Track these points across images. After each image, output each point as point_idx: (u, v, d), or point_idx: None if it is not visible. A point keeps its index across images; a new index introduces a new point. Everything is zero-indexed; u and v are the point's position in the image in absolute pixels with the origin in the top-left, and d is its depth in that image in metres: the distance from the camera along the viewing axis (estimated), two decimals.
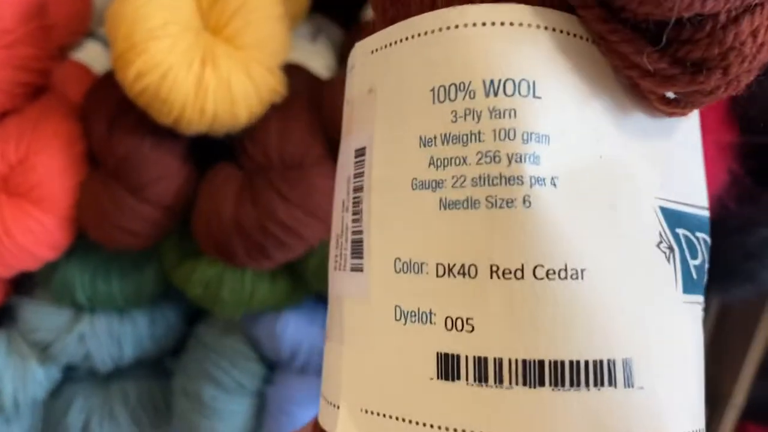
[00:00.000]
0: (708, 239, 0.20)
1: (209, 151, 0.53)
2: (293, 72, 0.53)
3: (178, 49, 0.45)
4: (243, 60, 0.48)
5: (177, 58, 0.45)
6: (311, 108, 0.52)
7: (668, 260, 0.17)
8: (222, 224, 0.48)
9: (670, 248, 0.18)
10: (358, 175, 0.19)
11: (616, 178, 0.17)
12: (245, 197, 0.48)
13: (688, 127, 0.20)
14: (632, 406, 0.16)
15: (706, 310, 0.73)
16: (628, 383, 0.16)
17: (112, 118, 0.49)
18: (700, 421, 0.18)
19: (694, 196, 0.20)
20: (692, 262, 0.18)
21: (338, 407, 0.19)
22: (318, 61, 0.58)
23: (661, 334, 0.17)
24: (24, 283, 0.63)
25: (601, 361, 0.16)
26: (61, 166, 0.50)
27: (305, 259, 0.53)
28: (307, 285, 0.56)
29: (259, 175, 0.49)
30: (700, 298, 0.18)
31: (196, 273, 0.54)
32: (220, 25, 0.48)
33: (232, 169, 0.51)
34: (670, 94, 0.17)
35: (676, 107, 0.17)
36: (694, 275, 0.18)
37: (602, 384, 0.16)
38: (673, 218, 0.18)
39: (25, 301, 0.61)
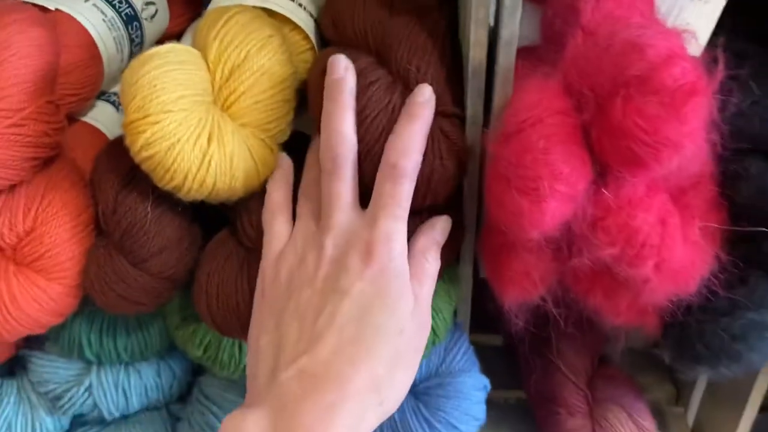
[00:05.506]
0: None
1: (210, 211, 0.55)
2: (295, 140, 0.54)
3: (187, 122, 0.46)
4: (247, 138, 0.49)
5: (185, 132, 0.46)
6: None
7: None
8: (222, 307, 0.50)
9: None
10: None
11: None
12: (243, 277, 0.50)
13: None
14: None
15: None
16: None
17: (117, 192, 0.51)
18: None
19: None
20: None
21: None
22: None
23: None
24: (34, 337, 0.65)
25: None
26: (68, 236, 0.51)
27: None
28: None
29: (256, 252, 0.50)
30: None
31: (196, 336, 0.56)
32: (229, 101, 0.49)
33: (232, 246, 0.52)
34: None
35: None
36: None
37: None
38: None
39: (35, 354, 0.63)
